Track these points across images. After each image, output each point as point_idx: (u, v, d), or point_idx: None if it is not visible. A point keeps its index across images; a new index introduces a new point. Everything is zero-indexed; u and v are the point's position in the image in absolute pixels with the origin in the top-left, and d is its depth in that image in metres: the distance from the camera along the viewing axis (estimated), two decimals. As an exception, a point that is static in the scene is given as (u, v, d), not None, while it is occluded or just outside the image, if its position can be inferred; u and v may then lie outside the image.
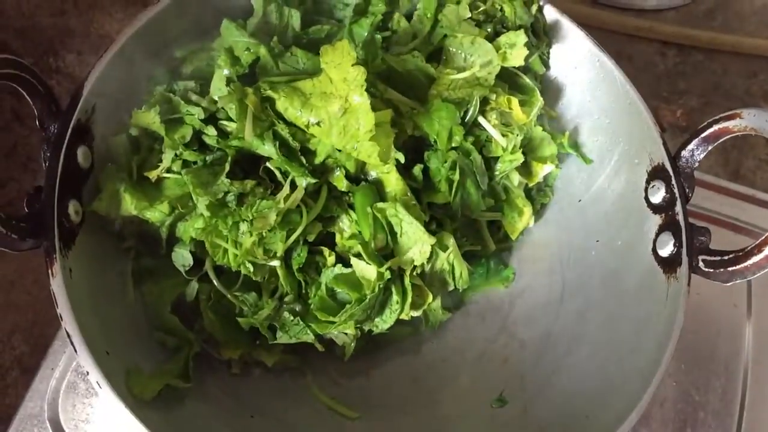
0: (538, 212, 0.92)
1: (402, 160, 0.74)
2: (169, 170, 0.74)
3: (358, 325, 0.75)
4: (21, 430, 0.82)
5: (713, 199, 1.04)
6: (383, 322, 0.75)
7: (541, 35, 0.88)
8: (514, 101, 0.83)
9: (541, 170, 0.88)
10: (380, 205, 0.73)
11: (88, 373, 0.61)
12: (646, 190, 0.78)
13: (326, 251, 0.75)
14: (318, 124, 0.72)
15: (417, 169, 0.78)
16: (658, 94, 1.26)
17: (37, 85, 0.68)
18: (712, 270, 0.69)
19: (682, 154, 0.75)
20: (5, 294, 0.95)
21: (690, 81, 1.28)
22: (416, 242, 0.74)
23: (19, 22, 1.14)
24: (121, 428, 0.63)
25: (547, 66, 0.91)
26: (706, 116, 1.09)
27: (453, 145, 0.78)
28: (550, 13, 0.87)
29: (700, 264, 0.71)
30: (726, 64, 1.30)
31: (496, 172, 0.85)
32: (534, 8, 0.86)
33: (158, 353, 0.73)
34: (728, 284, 0.68)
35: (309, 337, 0.75)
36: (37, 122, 0.69)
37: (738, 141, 1.18)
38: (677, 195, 0.73)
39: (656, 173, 0.77)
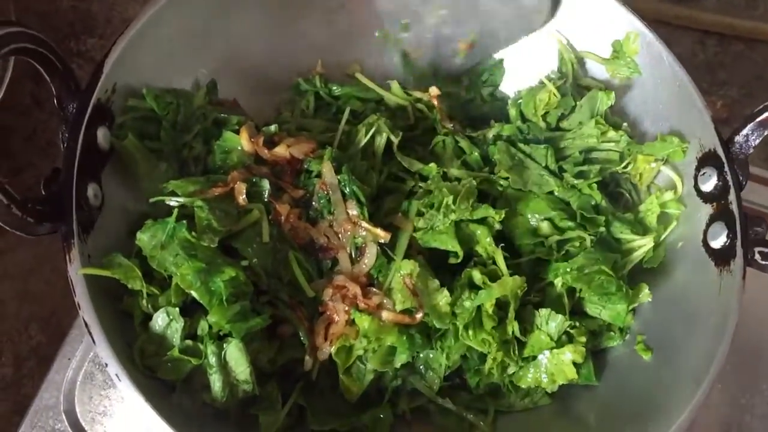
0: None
1: None
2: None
3: None
4: (36, 422, 0.80)
5: (760, 192, 0.99)
6: None
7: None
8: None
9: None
10: None
11: (106, 364, 0.59)
12: (695, 177, 0.74)
13: None
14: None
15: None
16: (698, 85, 1.21)
17: (56, 61, 0.64)
18: (770, 263, 0.66)
19: (735, 140, 0.71)
20: (23, 282, 0.93)
21: (730, 71, 1.24)
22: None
23: (40, 6, 1.13)
24: (139, 421, 0.60)
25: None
26: (747, 108, 1.04)
27: None
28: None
29: (756, 256, 0.67)
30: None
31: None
32: None
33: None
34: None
35: None
36: (55, 101, 0.66)
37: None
38: (731, 183, 0.70)
39: (707, 160, 0.73)
